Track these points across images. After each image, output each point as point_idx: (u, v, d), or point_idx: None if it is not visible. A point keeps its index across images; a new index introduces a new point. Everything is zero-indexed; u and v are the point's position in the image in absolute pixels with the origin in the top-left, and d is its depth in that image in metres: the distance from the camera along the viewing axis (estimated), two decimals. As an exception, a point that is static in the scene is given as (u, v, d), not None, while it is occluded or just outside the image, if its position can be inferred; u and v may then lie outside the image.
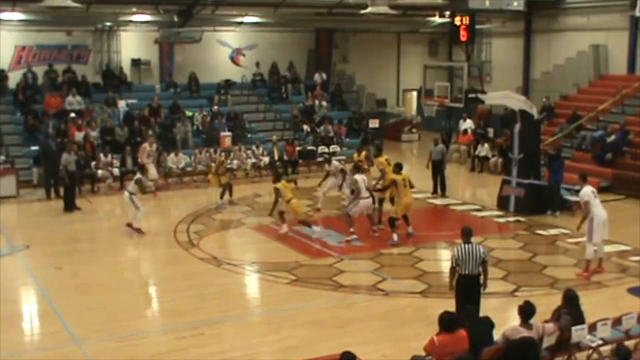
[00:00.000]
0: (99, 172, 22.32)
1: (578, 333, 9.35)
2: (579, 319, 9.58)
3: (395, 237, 16.25)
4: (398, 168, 16.91)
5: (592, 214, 13.85)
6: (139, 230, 17.28)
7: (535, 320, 8.98)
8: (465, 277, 10.54)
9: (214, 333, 11.37)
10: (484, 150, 25.94)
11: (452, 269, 10.65)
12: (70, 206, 19.73)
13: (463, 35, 28.90)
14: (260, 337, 11.25)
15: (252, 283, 14.47)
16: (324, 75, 31.04)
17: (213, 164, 22.23)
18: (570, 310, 9.64)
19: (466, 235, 10.80)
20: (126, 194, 17.57)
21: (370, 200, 16.86)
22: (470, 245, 10.60)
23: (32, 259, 15.40)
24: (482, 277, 10.73)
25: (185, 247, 16.22)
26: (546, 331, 8.93)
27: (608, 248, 15.86)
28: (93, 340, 11.09)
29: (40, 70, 26.93)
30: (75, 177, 20.31)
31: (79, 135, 23.46)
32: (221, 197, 20.44)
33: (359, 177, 16.76)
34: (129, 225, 17.35)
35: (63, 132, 23.58)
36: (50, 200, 21.04)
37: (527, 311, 8.87)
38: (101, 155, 22.68)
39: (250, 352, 10.64)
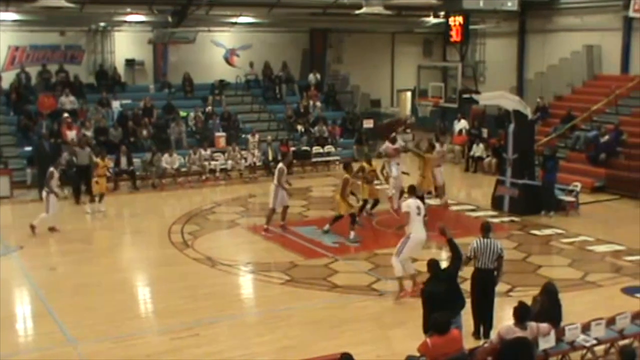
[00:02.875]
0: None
1: (571, 332, 9.39)
2: (552, 312, 9.65)
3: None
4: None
5: (410, 229, 12.57)
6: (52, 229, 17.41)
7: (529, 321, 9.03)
8: (480, 270, 10.74)
9: (209, 333, 11.37)
10: (478, 150, 25.99)
11: (467, 259, 10.79)
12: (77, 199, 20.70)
13: (457, 36, 29.02)
14: (255, 338, 11.25)
15: (246, 283, 14.47)
16: (318, 76, 31.04)
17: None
18: (545, 301, 9.83)
19: (486, 230, 11.00)
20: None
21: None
22: (488, 240, 10.81)
23: (26, 259, 15.37)
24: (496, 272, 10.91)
25: (179, 248, 16.21)
26: (541, 331, 8.95)
27: (602, 248, 15.96)
28: (88, 340, 11.08)
29: (33, 71, 26.83)
30: (90, 171, 20.74)
31: (71, 135, 23.41)
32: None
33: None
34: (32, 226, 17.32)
35: (56, 132, 23.55)
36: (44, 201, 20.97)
37: (521, 312, 8.91)
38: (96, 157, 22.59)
39: (246, 352, 10.64)
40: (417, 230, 12.51)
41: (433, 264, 9.98)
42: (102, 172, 19.88)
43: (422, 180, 18.25)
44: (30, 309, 12.84)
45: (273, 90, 29.94)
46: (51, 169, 17.63)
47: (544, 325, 9.04)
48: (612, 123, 23.74)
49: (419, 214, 12.53)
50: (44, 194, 17.59)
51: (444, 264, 10.68)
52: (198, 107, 27.30)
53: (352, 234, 16.47)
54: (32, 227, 17.16)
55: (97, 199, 19.69)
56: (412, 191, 13.42)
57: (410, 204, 12.70)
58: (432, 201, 20.23)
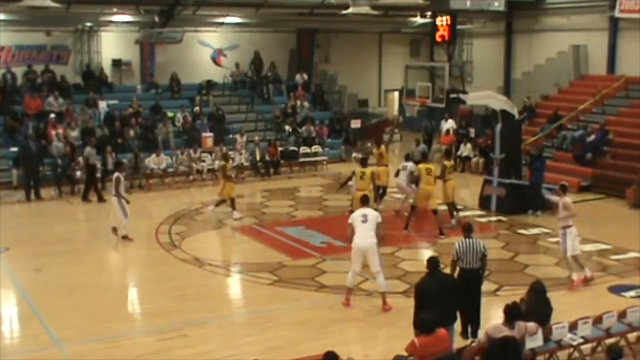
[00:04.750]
0: (78, 173, 22.16)
1: (559, 331, 9.43)
2: (539, 311, 9.71)
3: None
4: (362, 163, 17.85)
5: (353, 239, 12.26)
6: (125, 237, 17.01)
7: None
8: (465, 270, 10.76)
9: (197, 334, 11.34)
10: (465, 150, 26.05)
11: (453, 262, 10.83)
12: (85, 196, 21.03)
13: (444, 36, 29.07)
14: (243, 338, 11.23)
15: (234, 284, 14.44)
16: (305, 76, 31.04)
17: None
18: (532, 300, 9.90)
19: (467, 230, 11.05)
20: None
21: None
22: (471, 240, 10.83)
23: (12, 261, 15.26)
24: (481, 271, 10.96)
25: (167, 249, 16.17)
26: (528, 330, 8.98)
27: (588, 247, 16.03)
28: (75, 342, 11.02)
29: (19, 71, 26.67)
30: (96, 170, 21.18)
31: (57, 134, 23.31)
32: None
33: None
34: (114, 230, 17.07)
35: (43, 133, 23.43)
36: (30, 202, 20.91)
37: (512, 312, 8.95)
38: (79, 156, 22.53)
39: (234, 352, 10.62)
40: (356, 238, 12.18)
41: (432, 261, 9.92)
42: (229, 174, 19.12)
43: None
44: (16, 310, 12.73)
45: (261, 89, 29.91)
46: (117, 174, 17.02)
47: (532, 325, 9.06)
48: (598, 123, 23.86)
49: (364, 221, 12.21)
50: (114, 200, 16.97)
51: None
52: (185, 107, 27.22)
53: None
54: (125, 237, 16.83)
55: (227, 202, 19.00)
56: (363, 202, 12.88)
57: (355, 215, 12.40)
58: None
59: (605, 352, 7.81)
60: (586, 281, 13.53)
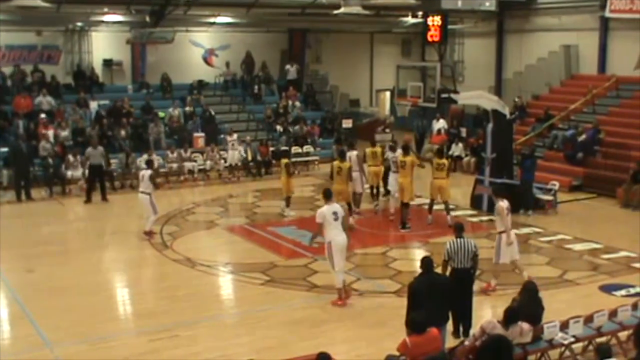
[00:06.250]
0: (69, 173, 22.09)
1: (550, 330, 9.44)
2: (531, 310, 9.73)
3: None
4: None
5: (328, 236, 12.21)
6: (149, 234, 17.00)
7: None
8: (457, 270, 10.78)
9: (188, 334, 11.30)
10: (457, 149, 26.08)
11: (445, 262, 10.85)
12: (88, 198, 20.81)
13: (435, 36, 29.08)
14: (234, 338, 11.20)
15: (226, 284, 14.41)
16: (297, 66, 31.00)
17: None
18: (524, 300, 9.90)
19: (458, 230, 11.08)
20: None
21: None
22: (462, 240, 10.86)
23: (2, 262, 15.14)
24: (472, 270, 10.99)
25: (158, 249, 16.12)
26: (522, 330, 9.05)
27: (580, 246, 16.09)
28: (65, 343, 10.97)
29: (9, 71, 26.57)
30: (102, 170, 21.14)
31: (48, 135, 23.23)
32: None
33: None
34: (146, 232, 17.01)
35: (33, 132, 23.34)
36: (21, 202, 20.82)
37: (510, 316, 9.02)
38: (70, 156, 22.46)
39: (225, 353, 10.60)
40: (335, 235, 12.17)
41: (426, 261, 9.90)
42: (286, 171, 19.02)
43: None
44: (7, 311, 12.68)
45: (252, 88, 29.87)
46: (149, 171, 17.16)
47: (527, 326, 9.13)
48: (589, 122, 23.93)
49: (336, 219, 12.18)
50: (144, 197, 16.95)
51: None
52: (177, 103, 27.14)
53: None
54: (148, 233, 16.86)
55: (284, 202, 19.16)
56: (328, 197, 12.66)
57: (325, 211, 12.23)
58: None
59: (594, 352, 7.83)
60: (487, 289, 13.09)
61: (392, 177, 18.75)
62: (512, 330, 8.96)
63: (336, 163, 17.77)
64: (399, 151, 18.50)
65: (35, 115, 24.38)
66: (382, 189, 20.15)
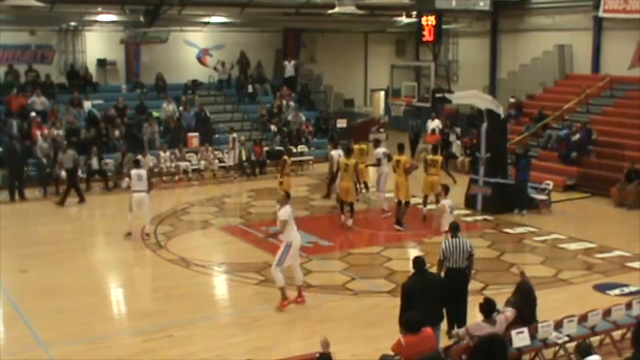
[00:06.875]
0: (62, 173, 22.00)
1: (544, 329, 9.46)
2: (526, 309, 9.77)
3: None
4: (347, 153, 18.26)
5: (289, 237, 12.27)
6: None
7: (496, 315, 9.19)
8: (452, 270, 10.78)
9: (183, 334, 11.29)
10: (454, 147, 26.07)
11: (440, 262, 10.87)
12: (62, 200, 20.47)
13: (430, 35, 29.05)
14: (229, 338, 11.20)
15: (220, 284, 14.40)
16: (294, 62, 31.00)
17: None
18: (518, 299, 9.97)
19: (454, 229, 11.09)
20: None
21: None
22: (457, 240, 10.85)
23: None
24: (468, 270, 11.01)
25: (152, 249, 16.10)
26: (508, 318, 9.13)
27: (574, 245, 16.13)
28: (60, 343, 10.95)
29: (3, 71, 26.49)
30: (75, 174, 20.93)
31: (41, 134, 23.14)
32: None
33: None
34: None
35: (26, 132, 23.27)
36: (15, 203, 20.76)
37: (486, 307, 9.05)
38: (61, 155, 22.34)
39: (220, 353, 10.60)
40: (295, 237, 12.31)
41: (418, 261, 9.91)
42: (289, 170, 19.00)
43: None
44: (0, 312, 12.65)
45: (246, 87, 29.82)
46: (144, 171, 17.18)
47: (510, 311, 9.21)
48: (583, 122, 23.96)
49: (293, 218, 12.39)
50: (146, 196, 16.77)
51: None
52: (170, 99, 27.05)
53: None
54: (147, 234, 16.78)
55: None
56: (288, 197, 12.86)
57: (289, 211, 12.35)
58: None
59: (575, 351, 7.85)
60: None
61: (372, 171, 20.02)
62: (498, 322, 8.99)
63: (342, 160, 17.81)
64: (382, 148, 19.52)
65: (28, 115, 24.28)
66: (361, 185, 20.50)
